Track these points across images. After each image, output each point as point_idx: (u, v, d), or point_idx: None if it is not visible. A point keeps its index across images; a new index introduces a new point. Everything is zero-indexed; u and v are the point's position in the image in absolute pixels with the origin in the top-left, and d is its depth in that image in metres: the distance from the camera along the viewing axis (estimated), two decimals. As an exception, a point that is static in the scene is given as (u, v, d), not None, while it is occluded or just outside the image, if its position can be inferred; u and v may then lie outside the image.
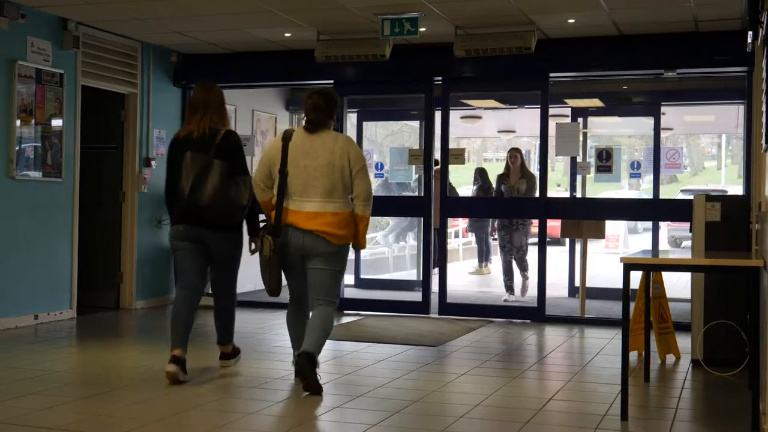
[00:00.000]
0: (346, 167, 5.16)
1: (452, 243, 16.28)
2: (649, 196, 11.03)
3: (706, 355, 6.02)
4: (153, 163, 9.02)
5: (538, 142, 8.99)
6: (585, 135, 10.52)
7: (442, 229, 9.22)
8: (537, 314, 8.35)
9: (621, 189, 22.44)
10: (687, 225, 7.25)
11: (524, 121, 13.27)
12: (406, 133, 20.29)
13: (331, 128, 5.31)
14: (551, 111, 8.83)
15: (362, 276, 10.92)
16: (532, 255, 9.40)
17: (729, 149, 38.36)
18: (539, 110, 8.44)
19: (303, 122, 5.33)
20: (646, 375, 5.64)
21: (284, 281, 5.37)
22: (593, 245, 11.81)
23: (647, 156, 10.98)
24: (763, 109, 4.76)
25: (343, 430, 4.49)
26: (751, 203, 6.21)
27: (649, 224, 11.84)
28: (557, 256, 11.92)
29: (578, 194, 10.19)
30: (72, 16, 7.88)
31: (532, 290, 8.97)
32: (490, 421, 4.58)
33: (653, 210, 9.07)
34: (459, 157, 8.86)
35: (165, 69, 9.28)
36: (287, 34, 8.39)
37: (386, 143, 20.71)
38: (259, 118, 10.64)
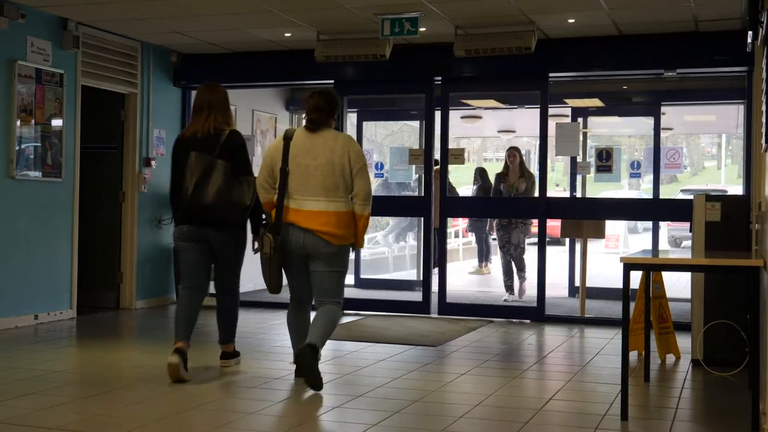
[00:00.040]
0: (347, 166, 5.20)
1: (452, 243, 16.29)
2: (649, 196, 11.03)
3: (706, 355, 6.02)
4: (153, 163, 9.02)
5: (538, 142, 8.99)
6: (585, 135, 10.51)
7: (441, 229, 9.21)
8: (537, 314, 8.35)
9: (621, 189, 22.43)
10: (687, 225, 7.25)
11: (524, 121, 13.27)
12: (406, 133, 20.27)
13: (332, 127, 5.36)
14: (551, 111, 8.83)
15: (362, 276, 10.92)
16: (532, 255, 9.38)
17: (729, 149, 38.36)
18: (539, 110, 8.45)
19: (304, 122, 5.37)
20: (646, 375, 5.64)
21: (285, 281, 5.40)
22: (593, 245, 11.81)
23: (647, 156, 10.98)
24: (763, 109, 4.76)
25: (343, 430, 4.49)
26: (751, 203, 6.21)
27: (649, 224, 11.84)
28: (557, 256, 11.92)
29: (578, 194, 10.19)
30: (72, 16, 7.88)
31: (531, 290, 8.94)
32: (490, 421, 4.58)
33: (653, 210, 9.07)
34: (458, 157, 8.86)
35: (165, 69, 9.28)
36: (287, 34, 8.39)
37: (386, 143, 20.69)
38: (259, 118, 10.64)
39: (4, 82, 7.35)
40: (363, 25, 7.85)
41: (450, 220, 12.33)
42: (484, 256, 12.88)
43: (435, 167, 8.98)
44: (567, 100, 10.31)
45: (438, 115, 8.83)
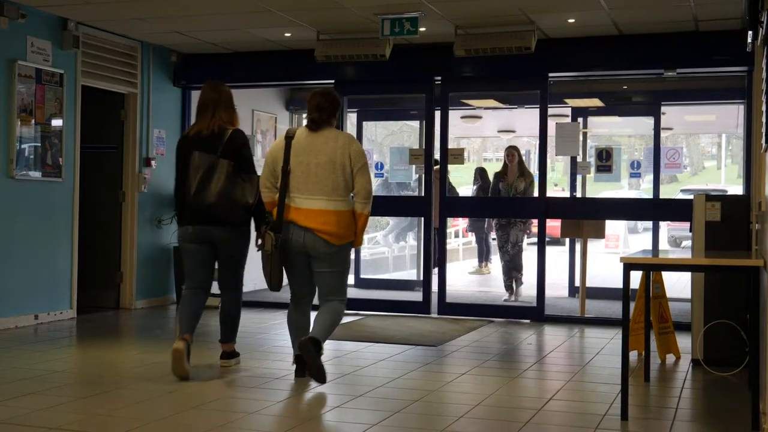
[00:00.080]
0: (347, 165, 5.25)
1: (452, 243, 16.29)
2: (649, 195, 11.03)
3: (706, 355, 6.02)
4: (153, 163, 9.02)
5: (538, 141, 8.99)
6: (585, 135, 10.51)
7: (441, 229, 9.21)
8: (537, 314, 8.35)
9: (621, 189, 22.44)
10: (687, 225, 7.25)
11: (524, 120, 13.27)
12: (406, 133, 20.29)
13: (334, 127, 5.41)
14: (551, 111, 8.83)
15: (362, 276, 10.92)
16: (531, 255, 9.36)
17: (729, 149, 38.35)
18: (539, 110, 8.44)
19: (306, 121, 5.41)
20: (646, 375, 5.64)
21: (285, 281, 5.42)
22: (593, 245, 11.81)
23: (647, 156, 10.99)
24: (763, 108, 4.76)
25: (343, 430, 4.49)
26: (751, 203, 6.21)
27: (649, 224, 11.84)
28: (557, 256, 11.93)
29: (578, 194, 10.18)
30: (72, 16, 7.88)
31: (531, 290, 8.88)
32: (490, 421, 4.58)
33: (653, 210, 9.06)
34: (458, 156, 8.86)
35: (165, 69, 9.28)
36: (287, 34, 8.39)
37: (386, 143, 20.71)
38: (259, 118, 10.64)
39: (4, 82, 7.35)
40: (363, 25, 7.85)
41: (450, 220, 12.34)
42: (484, 256, 12.89)
43: (435, 167, 8.98)
44: (567, 100, 10.31)
45: (438, 114, 8.83)
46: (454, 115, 10.84)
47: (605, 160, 9.92)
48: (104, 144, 8.91)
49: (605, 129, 14.72)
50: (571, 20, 7.64)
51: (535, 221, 9.13)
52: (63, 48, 7.91)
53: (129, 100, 8.90)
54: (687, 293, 7.28)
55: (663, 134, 11.54)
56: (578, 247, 9.42)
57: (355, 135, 10.57)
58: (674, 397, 5.26)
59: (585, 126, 10.49)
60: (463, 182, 18.17)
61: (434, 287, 8.76)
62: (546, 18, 7.61)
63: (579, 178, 10.12)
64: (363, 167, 5.29)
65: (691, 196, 6.79)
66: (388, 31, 7.66)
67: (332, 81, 8.77)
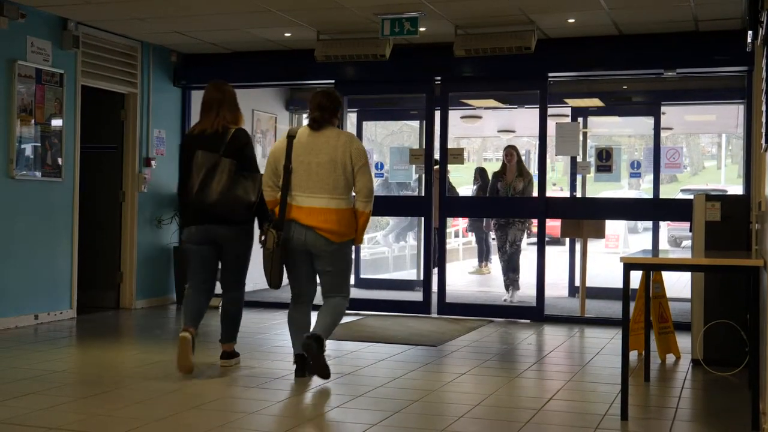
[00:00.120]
0: (348, 164, 5.30)
1: (452, 243, 16.29)
2: (649, 195, 11.03)
3: (706, 355, 6.02)
4: (153, 163, 9.02)
5: (538, 141, 8.99)
6: (585, 135, 10.51)
7: (441, 228, 9.21)
8: (537, 314, 8.35)
9: (621, 189, 22.44)
10: (687, 225, 7.25)
11: (524, 120, 13.27)
12: (406, 132, 20.28)
13: (335, 126, 5.46)
14: (551, 111, 8.82)
15: (362, 276, 10.92)
16: (531, 255, 9.34)
17: (729, 149, 38.35)
18: (538, 110, 8.44)
19: (307, 120, 5.48)
20: (646, 375, 5.64)
21: (285, 280, 5.45)
22: (593, 245, 11.81)
23: (647, 156, 10.99)
24: (763, 108, 4.76)
25: (344, 430, 4.49)
26: (751, 203, 6.21)
27: (649, 224, 11.84)
28: (557, 256, 11.93)
29: (578, 194, 10.18)
30: (72, 16, 7.88)
31: (531, 290, 8.86)
32: (490, 421, 4.58)
33: (653, 210, 9.06)
34: (458, 156, 8.86)
35: (165, 69, 9.28)
36: (287, 34, 8.39)
37: (386, 143, 20.71)
38: (259, 118, 10.65)
39: (4, 82, 7.35)
40: (363, 25, 7.85)
41: (450, 220, 12.34)
42: (484, 256, 12.89)
43: (435, 167, 8.98)
44: (567, 100, 10.31)
45: (438, 114, 8.83)
46: (454, 115, 10.84)
47: (605, 160, 9.92)
48: (104, 144, 8.91)
49: (605, 129, 14.72)
50: (571, 20, 7.64)
51: (534, 221, 9.12)
52: (63, 48, 7.91)
53: (129, 100, 8.90)
54: (687, 293, 7.28)
55: (663, 134, 11.54)
56: (578, 247, 9.42)
57: (355, 135, 10.57)
58: (674, 397, 5.26)
59: (585, 126, 10.49)
60: (463, 182, 18.18)
61: (434, 287, 8.76)
62: (546, 18, 7.61)
63: (579, 178, 10.12)
64: (364, 166, 5.34)
65: (691, 196, 6.79)
66: (388, 31, 7.66)
67: (332, 81, 8.77)
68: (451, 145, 8.90)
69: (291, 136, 5.39)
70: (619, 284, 4.73)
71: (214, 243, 5.56)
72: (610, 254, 15.14)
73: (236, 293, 5.72)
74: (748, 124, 7.96)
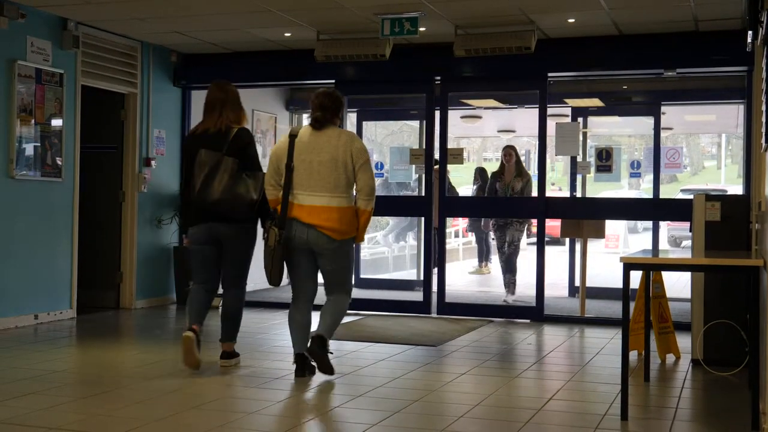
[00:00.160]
0: (349, 162, 5.35)
1: (452, 243, 16.29)
2: (649, 195, 11.02)
3: (706, 355, 6.02)
4: (153, 163, 9.02)
5: (538, 141, 8.99)
6: (585, 135, 10.51)
7: (441, 228, 9.21)
8: (536, 314, 8.35)
9: (621, 189, 22.44)
10: (687, 225, 7.25)
11: (524, 120, 13.26)
12: (406, 132, 20.28)
13: (337, 126, 5.51)
14: (551, 111, 8.82)
15: (362, 276, 10.92)
16: (531, 255, 9.34)
17: (729, 149, 38.36)
18: (538, 110, 8.44)
19: (309, 120, 5.53)
20: (646, 375, 5.64)
21: (285, 280, 5.47)
22: (593, 245, 11.81)
23: (647, 156, 10.99)
24: (763, 108, 4.76)
25: (343, 430, 4.49)
26: (751, 203, 6.21)
27: (649, 224, 11.84)
28: (557, 256, 11.93)
29: (578, 194, 10.18)
30: (72, 16, 7.88)
31: (530, 290, 8.86)
32: (490, 421, 4.58)
33: (653, 210, 9.06)
34: (458, 156, 8.86)
35: (165, 69, 9.28)
36: (287, 34, 8.39)
37: (386, 143, 20.71)
38: (259, 118, 10.65)
39: (4, 82, 7.35)
40: (363, 25, 7.85)
41: (450, 220, 12.34)
42: (484, 255, 12.88)
43: (434, 167, 8.98)
44: (567, 100, 10.31)
45: (438, 114, 8.82)
46: (453, 115, 10.84)
47: (605, 160, 9.92)
48: (104, 144, 8.91)
49: (605, 129, 14.72)
50: (571, 20, 7.64)
51: (534, 221, 9.12)
52: (63, 48, 7.91)
53: (129, 100, 8.90)
54: (687, 293, 7.28)
55: (663, 134, 11.54)
56: (578, 247, 9.42)
57: (356, 134, 10.56)
58: (674, 397, 5.26)
59: (585, 126, 10.49)
60: (463, 182, 18.18)
61: (434, 287, 8.76)
62: (546, 18, 7.61)
63: (579, 177, 10.12)
64: (365, 164, 5.38)
65: (691, 196, 6.79)
66: (388, 31, 7.66)
67: (332, 81, 8.77)
68: (451, 145, 8.90)
69: (293, 135, 5.44)
70: (619, 284, 4.73)
71: (216, 241, 5.58)
72: (610, 254, 15.14)
73: (237, 292, 5.74)
74: (748, 124, 7.96)
